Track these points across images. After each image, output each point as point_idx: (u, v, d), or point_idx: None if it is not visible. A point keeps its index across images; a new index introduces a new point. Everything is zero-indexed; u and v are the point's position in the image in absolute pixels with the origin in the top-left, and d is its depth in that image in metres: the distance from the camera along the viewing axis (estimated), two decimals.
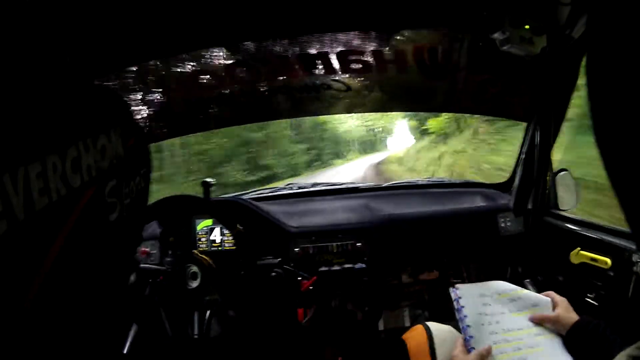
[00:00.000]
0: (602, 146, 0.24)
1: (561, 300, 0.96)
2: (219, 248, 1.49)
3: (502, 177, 1.79)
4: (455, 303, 1.01)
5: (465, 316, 0.97)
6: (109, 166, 0.36)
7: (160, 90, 1.53)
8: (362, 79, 1.59)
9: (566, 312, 0.92)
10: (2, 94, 0.27)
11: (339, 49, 1.44)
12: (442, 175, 8.72)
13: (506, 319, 0.97)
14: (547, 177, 1.43)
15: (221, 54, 1.42)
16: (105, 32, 1.01)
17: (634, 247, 1.08)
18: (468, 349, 0.92)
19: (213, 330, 1.34)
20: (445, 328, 1.07)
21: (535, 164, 1.41)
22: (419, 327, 1.08)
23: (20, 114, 0.28)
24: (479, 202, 1.68)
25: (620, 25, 0.21)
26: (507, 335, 0.94)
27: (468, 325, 0.96)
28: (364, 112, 1.82)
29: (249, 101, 1.61)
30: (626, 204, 0.24)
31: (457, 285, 1.04)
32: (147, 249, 1.45)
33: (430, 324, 1.08)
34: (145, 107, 1.55)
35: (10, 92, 0.28)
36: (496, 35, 1.18)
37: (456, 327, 1.11)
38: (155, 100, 1.55)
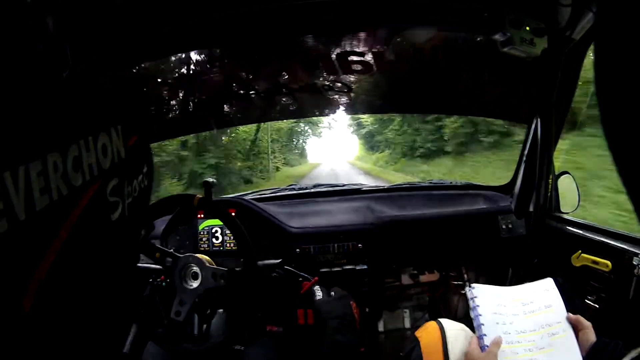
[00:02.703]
0: (612, 143, 0.24)
1: (587, 324, 0.93)
2: (220, 248, 1.49)
3: None
4: (470, 302, 1.02)
5: (479, 315, 0.98)
6: (111, 165, 0.36)
7: (161, 89, 1.54)
8: (363, 79, 1.59)
9: (591, 336, 0.91)
10: (3, 92, 0.27)
11: (340, 49, 1.44)
12: None
13: (519, 320, 0.97)
14: (549, 180, 1.43)
15: (222, 54, 1.42)
16: (106, 31, 1.02)
17: (634, 250, 1.08)
18: (481, 347, 0.93)
19: (213, 330, 1.34)
20: (458, 326, 1.07)
21: (536, 166, 1.41)
22: (432, 324, 1.08)
23: (21, 112, 0.28)
24: (480, 204, 1.67)
25: (629, 18, 0.21)
26: (519, 337, 0.94)
27: (482, 324, 0.96)
28: (364, 113, 1.83)
29: (250, 102, 1.61)
30: (637, 201, 0.24)
31: (473, 285, 1.05)
32: None
33: (443, 321, 1.08)
34: (145, 107, 1.55)
35: (11, 89, 0.28)
36: (497, 37, 1.18)
37: None
38: (156, 100, 1.55)
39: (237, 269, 1.18)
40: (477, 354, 0.91)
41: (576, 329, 0.93)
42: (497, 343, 0.91)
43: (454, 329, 1.05)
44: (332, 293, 1.22)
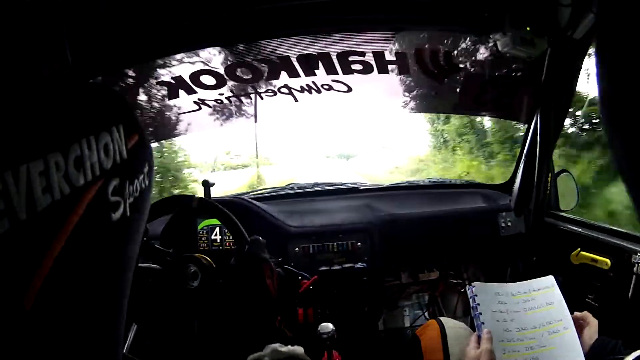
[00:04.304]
0: (614, 143, 0.24)
1: (594, 321, 0.94)
2: (220, 247, 1.49)
3: None
4: (471, 300, 1.02)
5: (480, 313, 0.99)
6: (113, 164, 0.36)
7: (161, 89, 1.53)
8: (363, 80, 1.59)
9: (594, 334, 0.92)
10: (4, 91, 0.27)
11: (340, 49, 1.44)
12: None
13: (520, 317, 0.98)
14: (548, 178, 1.43)
15: (222, 53, 1.42)
16: (106, 31, 1.01)
17: (634, 247, 1.08)
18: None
19: (213, 330, 1.34)
20: (459, 324, 1.07)
21: (536, 165, 1.41)
22: (432, 323, 1.08)
23: (22, 111, 0.28)
24: (479, 203, 1.67)
25: (630, 18, 0.21)
26: (520, 335, 0.95)
27: (482, 323, 0.97)
28: (364, 113, 1.82)
29: (249, 101, 1.61)
30: (638, 202, 0.24)
31: (474, 284, 1.05)
32: None
33: (443, 319, 1.08)
34: (145, 107, 1.55)
35: (12, 88, 0.28)
36: (497, 37, 1.18)
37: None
38: (156, 100, 1.55)
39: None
40: (474, 353, 0.91)
41: (582, 325, 0.94)
42: (488, 339, 0.91)
43: (454, 327, 1.06)
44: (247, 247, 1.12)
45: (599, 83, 0.24)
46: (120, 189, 0.37)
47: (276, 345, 0.80)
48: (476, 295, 1.02)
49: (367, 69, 1.52)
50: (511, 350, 0.92)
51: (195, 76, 1.50)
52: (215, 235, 1.50)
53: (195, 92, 1.56)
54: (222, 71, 1.49)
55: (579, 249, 1.26)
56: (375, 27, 1.38)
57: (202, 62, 1.45)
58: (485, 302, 1.01)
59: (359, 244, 1.45)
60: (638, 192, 0.24)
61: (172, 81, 1.51)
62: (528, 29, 1.14)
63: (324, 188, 1.87)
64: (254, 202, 1.52)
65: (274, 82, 1.55)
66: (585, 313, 0.95)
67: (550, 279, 1.04)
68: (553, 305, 0.98)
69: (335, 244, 1.44)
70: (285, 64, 1.48)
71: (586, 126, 3.75)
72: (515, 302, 1.01)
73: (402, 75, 1.55)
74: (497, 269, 1.75)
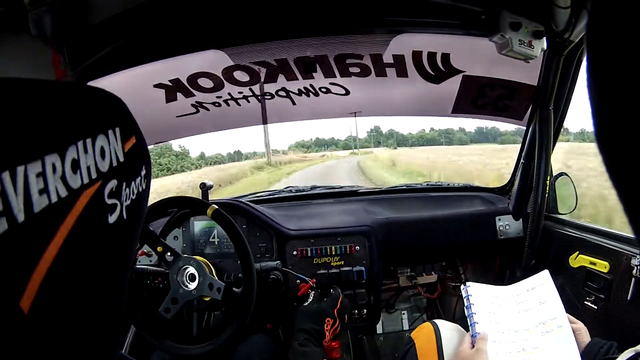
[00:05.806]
0: (603, 143, 0.23)
1: (579, 326, 0.95)
2: (218, 250, 1.48)
3: None
4: (465, 300, 1.03)
5: (474, 313, 0.99)
6: (109, 167, 0.35)
7: (159, 92, 1.53)
8: (361, 82, 1.59)
9: (585, 337, 0.92)
10: (2, 92, 0.27)
11: (338, 52, 1.44)
12: None
13: (514, 319, 0.98)
14: (547, 181, 1.44)
15: (219, 56, 1.42)
16: (104, 32, 1.01)
17: (632, 251, 1.08)
18: (474, 346, 0.93)
19: (212, 332, 1.33)
20: (453, 326, 1.08)
21: (534, 168, 1.42)
22: (427, 325, 1.09)
23: (20, 112, 0.28)
24: (477, 206, 1.68)
25: (622, 19, 0.20)
26: (514, 336, 0.95)
27: (476, 322, 0.97)
28: (361, 116, 1.82)
29: (247, 104, 1.61)
30: (629, 206, 0.23)
31: (469, 284, 1.06)
32: (145, 251, 1.44)
33: (438, 321, 1.09)
34: (143, 110, 1.54)
35: (9, 89, 0.28)
36: (495, 39, 1.18)
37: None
38: (154, 103, 1.55)
39: (235, 289, 1.17)
40: (467, 353, 0.92)
41: (572, 330, 0.94)
42: (483, 339, 0.92)
43: (449, 329, 1.06)
44: (325, 300, 1.24)
45: (590, 86, 0.23)
46: (117, 191, 0.36)
47: None
48: (470, 295, 1.03)
49: (364, 72, 1.52)
50: (503, 352, 0.92)
51: (193, 79, 1.50)
52: (213, 237, 1.49)
53: (193, 95, 1.56)
54: (219, 74, 1.49)
55: (578, 252, 1.27)
56: (373, 30, 1.39)
57: (200, 64, 1.45)
58: (480, 302, 1.01)
59: (357, 247, 1.45)
60: (633, 201, 0.23)
61: (170, 84, 1.51)
62: (526, 31, 1.15)
63: (321, 191, 1.87)
64: (252, 204, 1.52)
65: (272, 84, 1.55)
66: (572, 318, 0.96)
67: (545, 275, 1.04)
68: (547, 303, 0.98)
69: (333, 247, 1.45)
70: (282, 67, 1.48)
71: None
72: (509, 303, 1.01)
73: (399, 79, 1.55)
74: (495, 273, 1.75)
